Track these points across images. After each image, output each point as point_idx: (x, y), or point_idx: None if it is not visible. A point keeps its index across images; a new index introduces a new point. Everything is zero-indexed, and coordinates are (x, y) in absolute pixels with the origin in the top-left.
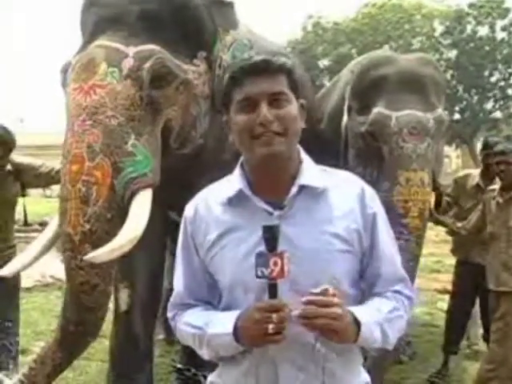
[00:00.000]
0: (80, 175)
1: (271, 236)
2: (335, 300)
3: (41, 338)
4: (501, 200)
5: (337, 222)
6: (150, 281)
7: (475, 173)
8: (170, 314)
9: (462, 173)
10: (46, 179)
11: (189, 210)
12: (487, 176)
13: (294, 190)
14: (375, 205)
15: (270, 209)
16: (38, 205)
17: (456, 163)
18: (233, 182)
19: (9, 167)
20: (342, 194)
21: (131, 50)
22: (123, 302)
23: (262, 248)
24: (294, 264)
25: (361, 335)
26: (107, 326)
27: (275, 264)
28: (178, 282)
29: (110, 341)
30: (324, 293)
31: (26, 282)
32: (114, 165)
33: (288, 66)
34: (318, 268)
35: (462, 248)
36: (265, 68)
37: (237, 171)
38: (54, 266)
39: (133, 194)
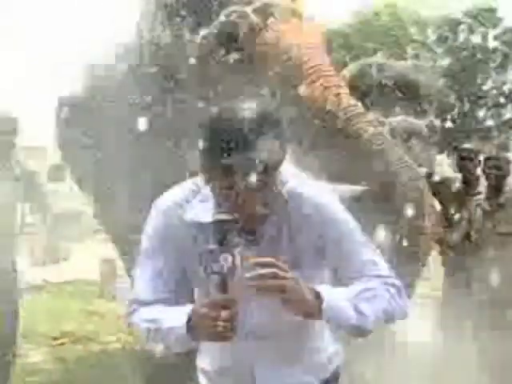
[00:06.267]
0: None
1: (221, 231)
2: (280, 264)
3: (29, 342)
4: (488, 207)
5: (300, 254)
6: None
7: (454, 177)
8: (127, 310)
9: (438, 177)
10: None
11: (165, 208)
12: (468, 181)
13: (266, 229)
14: (324, 205)
15: (242, 240)
16: None
17: (447, 171)
18: (205, 205)
19: None
20: (300, 218)
21: None
22: None
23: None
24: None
25: (325, 308)
26: (96, 329)
27: (225, 259)
28: (141, 278)
29: None
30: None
31: None
32: None
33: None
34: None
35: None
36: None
37: (208, 192)
38: (44, 269)
39: None
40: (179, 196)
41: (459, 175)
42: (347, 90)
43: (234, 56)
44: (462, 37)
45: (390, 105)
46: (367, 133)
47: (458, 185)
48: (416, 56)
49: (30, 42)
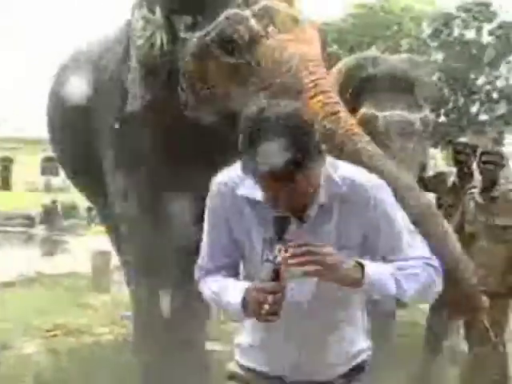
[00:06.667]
0: None
1: (280, 225)
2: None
3: (24, 334)
4: (481, 200)
5: (347, 235)
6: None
7: (449, 171)
8: (196, 276)
9: (433, 172)
10: None
11: (221, 182)
12: (463, 175)
13: (314, 210)
14: (379, 200)
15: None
16: (23, 198)
17: (441, 165)
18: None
19: None
20: (352, 204)
21: None
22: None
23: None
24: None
25: (366, 278)
26: (89, 322)
27: (280, 251)
28: (204, 247)
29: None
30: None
31: (8, 276)
32: None
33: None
34: None
35: None
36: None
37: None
38: (38, 261)
39: None
40: (234, 173)
41: (454, 169)
42: (345, 108)
43: (232, 59)
44: (456, 31)
45: (384, 99)
46: (368, 153)
47: (452, 178)
48: (410, 50)
49: (30, 42)
